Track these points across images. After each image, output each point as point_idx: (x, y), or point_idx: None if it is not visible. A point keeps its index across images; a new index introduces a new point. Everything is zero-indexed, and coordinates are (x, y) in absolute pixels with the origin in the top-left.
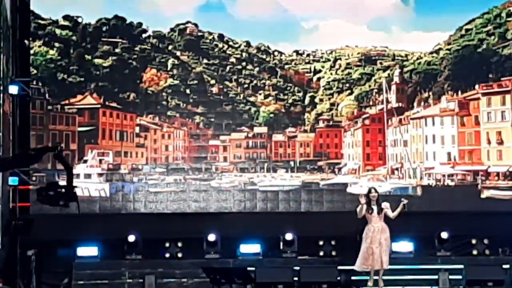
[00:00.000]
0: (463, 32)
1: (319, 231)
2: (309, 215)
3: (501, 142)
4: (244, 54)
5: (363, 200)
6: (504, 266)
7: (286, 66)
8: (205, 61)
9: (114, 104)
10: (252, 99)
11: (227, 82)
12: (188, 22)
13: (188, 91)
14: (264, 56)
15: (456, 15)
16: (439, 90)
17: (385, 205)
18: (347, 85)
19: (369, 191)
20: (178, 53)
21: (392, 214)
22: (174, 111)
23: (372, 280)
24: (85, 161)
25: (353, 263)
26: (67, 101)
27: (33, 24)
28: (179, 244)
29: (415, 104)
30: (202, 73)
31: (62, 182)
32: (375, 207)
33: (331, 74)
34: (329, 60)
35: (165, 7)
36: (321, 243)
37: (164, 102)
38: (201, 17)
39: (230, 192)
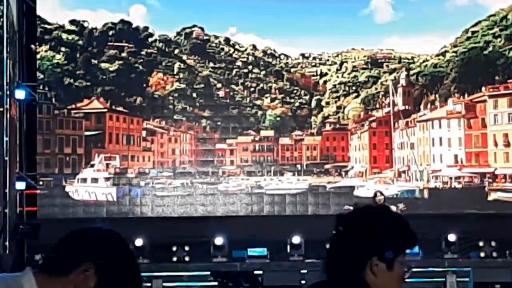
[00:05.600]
0: (469, 34)
1: (326, 235)
2: (316, 218)
3: (508, 144)
4: (250, 57)
5: None
6: None
7: (293, 69)
8: (211, 64)
9: (120, 108)
10: (258, 102)
11: (233, 86)
12: (194, 25)
13: (194, 94)
14: (270, 60)
15: (462, 18)
16: (446, 93)
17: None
18: (354, 88)
19: (375, 195)
20: (184, 57)
21: None
22: (181, 115)
23: None
24: (92, 166)
25: None
26: (73, 106)
27: (39, 29)
28: (186, 248)
29: (421, 106)
30: (209, 76)
31: (69, 187)
32: None
33: (338, 77)
34: (335, 63)
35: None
36: (328, 246)
37: (171, 106)
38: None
39: (237, 195)
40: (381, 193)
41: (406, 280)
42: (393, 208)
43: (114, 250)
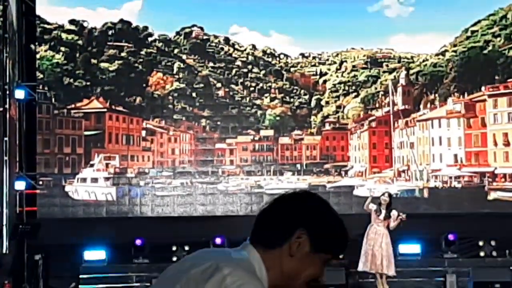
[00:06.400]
0: (468, 33)
1: None
2: None
3: (507, 144)
4: (250, 57)
5: (371, 206)
6: None
7: (292, 69)
8: (211, 64)
9: (120, 108)
10: (258, 102)
11: (233, 85)
12: (193, 25)
13: (194, 94)
14: (270, 59)
15: (461, 17)
16: (445, 92)
17: (394, 214)
18: (353, 87)
19: (382, 194)
20: (184, 57)
21: (392, 225)
22: (180, 114)
23: (380, 283)
24: (92, 165)
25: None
26: (73, 105)
27: (39, 29)
28: (186, 248)
29: (421, 106)
30: (208, 76)
31: (68, 187)
32: (383, 211)
33: (337, 76)
34: (335, 62)
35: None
36: None
37: (170, 106)
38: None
39: (237, 195)
40: (389, 195)
41: (406, 279)
42: (395, 214)
43: (321, 212)
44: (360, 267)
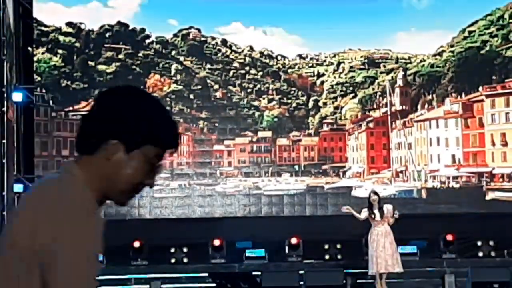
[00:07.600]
0: (466, 34)
1: (324, 235)
2: (314, 219)
3: (505, 144)
4: (247, 58)
5: (365, 213)
6: (510, 268)
7: (290, 70)
8: (208, 66)
9: None
10: (255, 103)
11: (230, 87)
12: (191, 27)
13: (191, 96)
14: (267, 61)
15: (459, 17)
16: (443, 92)
17: (388, 208)
18: (351, 88)
19: (369, 195)
20: (181, 59)
21: (390, 221)
22: (178, 116)
23: (379, 284)
24: None
25: (359, 267)
26: (71, 108)
27: (36, 31)
28: (185, 250)
29: (419, 106)
30: (206, 78)
31: None
32: (377, 211)
33: (335, 77)
34: (332, 63)
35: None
36: (326, 246)
37: (168, 108)
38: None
39: (235, 196)
40: (375, 193)
41: (405, 280)
42: (389, 208)
43: None
44: (370, 271)
